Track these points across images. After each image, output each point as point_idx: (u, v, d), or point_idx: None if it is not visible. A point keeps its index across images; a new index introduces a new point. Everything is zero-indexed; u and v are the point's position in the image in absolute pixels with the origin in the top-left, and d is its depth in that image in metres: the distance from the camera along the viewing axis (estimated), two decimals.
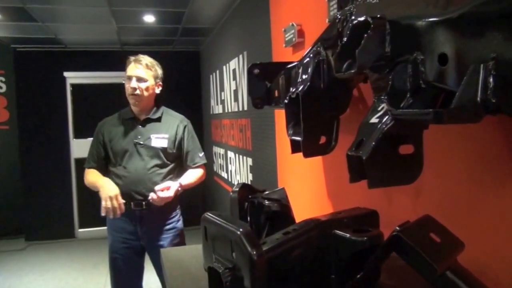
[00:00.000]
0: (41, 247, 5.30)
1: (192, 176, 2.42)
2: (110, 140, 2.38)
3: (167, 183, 2.27)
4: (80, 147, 5.41)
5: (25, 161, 5.44)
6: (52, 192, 5.46)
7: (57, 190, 5.50)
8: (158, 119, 2.42)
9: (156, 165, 2.34)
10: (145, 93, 2.34)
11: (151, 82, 2.37)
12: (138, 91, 2.31)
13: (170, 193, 2.24)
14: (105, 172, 2.40)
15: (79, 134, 5.56)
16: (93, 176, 2.35)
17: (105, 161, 2.41)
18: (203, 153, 2.52)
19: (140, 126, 2.38)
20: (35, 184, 5.43)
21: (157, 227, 2.38)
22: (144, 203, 2.30)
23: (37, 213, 5.45)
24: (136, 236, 2.37)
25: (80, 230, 5.67)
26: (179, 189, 2.32)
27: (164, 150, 2.36)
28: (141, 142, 2.34)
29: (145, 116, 2.40)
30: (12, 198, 5.55)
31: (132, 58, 2.38)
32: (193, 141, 2.48)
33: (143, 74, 2.33)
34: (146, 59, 2.38)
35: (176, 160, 2.43)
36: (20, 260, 4.86)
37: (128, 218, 2.35)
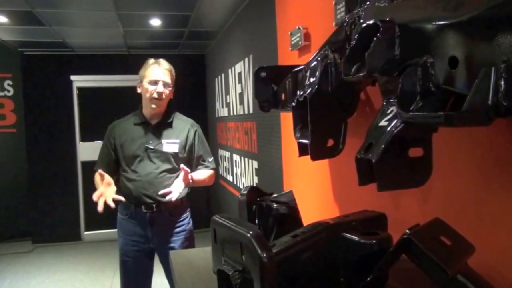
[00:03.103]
0: (48, 250, 5.32)
1: (203, 173, 2.43)
2: (121, 145, 2.37)
3: (172, 186, 2.26)
4: (86, 150, 5.44)
5: (32, 164, 5.47)
6: (58, 194, 5.49)
7: (64, 192, 5.53)
8: (170, 124, 2.40)
9: (167, 169, 2.34)
10: (167, 98, 2.35)
11: (172, 87, 2.38)
12: (163, 96, 2.31)
13: (180, 183, 2.21)
14: (116, 174, 2.39)
15: (85, 137, 5.59)
16: (98, 178, 2.34)
17: (115, 164, 2.40)
18: (212, 158, 2.52)
19: (151, 131, 2.37)
20: (42, 187, 5.46)
21: (167, 230, 2.38)
22: (154, 206, 2.30)
23: (44, 216, 5.48)
24: (147, 239, 2.37)
25: (86, 232, 5.69)
26: (191, 181, 2.29)
27: (175, 155, 2.36)
28: (152, 147, 2.33)
29: (156, 120, 2.39)
30: (19, 200, 5.59)
31: (152, 60, 2.35)
32: (203, 146, 2.48)
33: (168, 79, 2.33)
34: (167, 64, 2.36)
35: (186, 164, 2.42)
36: (27, 262, 4.88)
37: (139, 221, 2.35)
